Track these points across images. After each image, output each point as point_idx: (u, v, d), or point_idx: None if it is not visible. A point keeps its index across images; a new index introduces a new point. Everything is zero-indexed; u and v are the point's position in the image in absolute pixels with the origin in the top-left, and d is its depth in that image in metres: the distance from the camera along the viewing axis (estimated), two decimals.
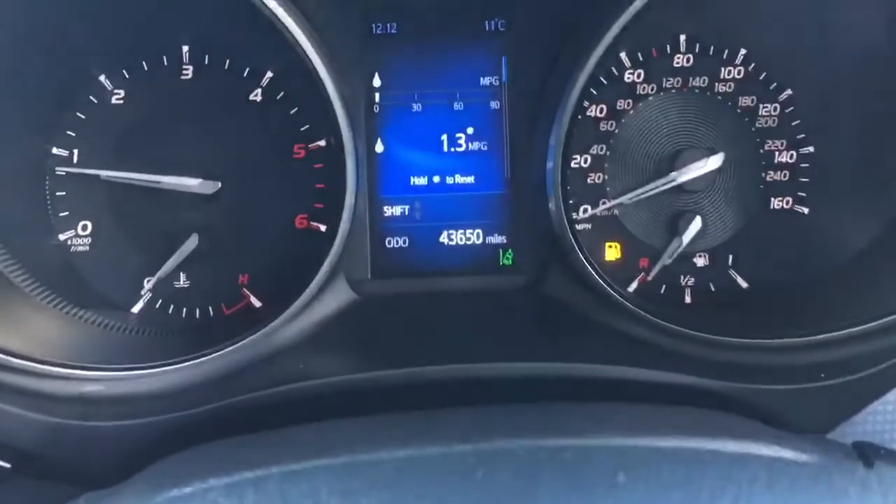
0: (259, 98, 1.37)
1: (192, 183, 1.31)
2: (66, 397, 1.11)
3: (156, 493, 0.89)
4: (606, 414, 0.99)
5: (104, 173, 1.32)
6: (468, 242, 1.43)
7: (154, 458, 1.03)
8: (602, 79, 1.39)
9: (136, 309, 1.36)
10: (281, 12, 1.12)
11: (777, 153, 1.44)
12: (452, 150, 1.42)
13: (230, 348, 1.23)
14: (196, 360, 1.21)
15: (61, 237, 1.36)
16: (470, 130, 1.42)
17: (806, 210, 1.45)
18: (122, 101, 1.36)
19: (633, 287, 1.43)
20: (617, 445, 0.84)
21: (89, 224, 1.36)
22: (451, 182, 1.42)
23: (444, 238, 1.43)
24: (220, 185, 1.33)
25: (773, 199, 1.45)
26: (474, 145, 1.42)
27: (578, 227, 1.41)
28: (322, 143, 1.37)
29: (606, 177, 1.42)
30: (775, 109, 1.43)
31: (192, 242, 1.34)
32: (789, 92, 1.43)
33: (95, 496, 0.92)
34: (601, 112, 1.42)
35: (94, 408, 1.12)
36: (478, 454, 0.83)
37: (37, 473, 1.06)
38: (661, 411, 1.04)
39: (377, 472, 0.84)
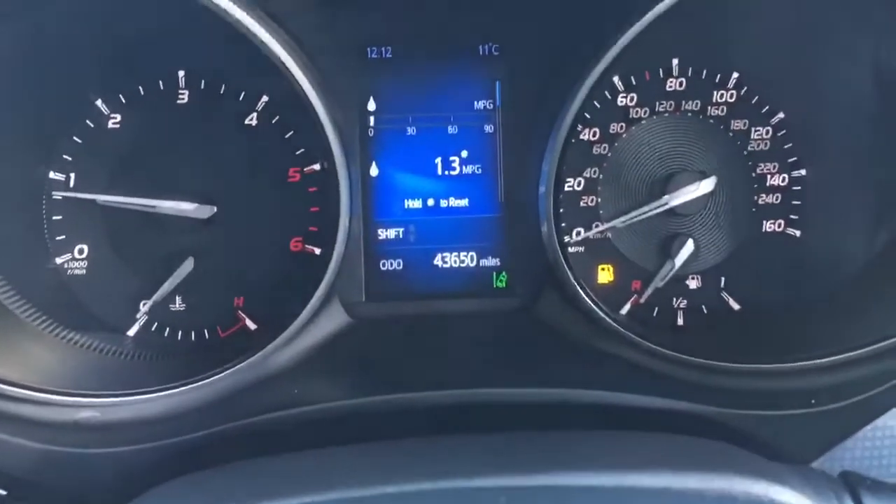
0: (254, 122, 1.38)
1: (187, 207, 1.32)
2: (61, 424, 1.12)
3: None
4: (593, 449, 1.00)
5: (100, 198, 1.33)
6: (462, 265, 1.44)
7: (148, 485, 1.04)
8: (595, 102, 1.40)
9: (132, 332, 1.37)
10: (272, 41, 1.13)
11: (769, 176, 1.45)
12: (447, 173, 1.43)
13: (225, 372, 1.24)
14: (191, 385, 1.22)
15: (58, 260, 1.37)
16: (464, 154, 1.43)
17: (798, 233, 1.46)
18: (118, 126, 1.37)
19: (625, 309, 1.44)
20: (600, 485, 0.85)
21: (86, 248, 1.37)
22: (446, 205, 1.43)
23: (438, 261, 1.44)
24: (215, 209, 1.34)
25: (765, 221, 1.46)
26: (468, 168, 1.43)
27: (571, 249, 1.42)
28: (317, 166, 1.38)
29: (599, 200, 1.43)
30: (767, 133, 1.44)
31: (188, 266, 1.35)
32: (781, 115, 1.44)
33: None
34: (594, 135, 1.43)
35: (89, 434, 1.13)
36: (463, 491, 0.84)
37: (32, 501, 1.07)
38: (648, 442, 1.04)
39: None
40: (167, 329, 1.39)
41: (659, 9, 1.14)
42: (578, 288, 1.31)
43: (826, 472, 1.03)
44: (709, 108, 1.44)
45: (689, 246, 1.41)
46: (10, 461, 1.06)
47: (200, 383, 1.23)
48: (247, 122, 1.38)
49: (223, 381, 1.25)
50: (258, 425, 1.21)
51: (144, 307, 1.37)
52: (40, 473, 1.08)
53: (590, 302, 1.30)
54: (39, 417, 1.10)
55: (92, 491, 1.09)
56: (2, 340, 1.20)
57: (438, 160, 1.43)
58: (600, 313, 1.30)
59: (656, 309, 1.45)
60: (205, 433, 1.19)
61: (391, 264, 1.43)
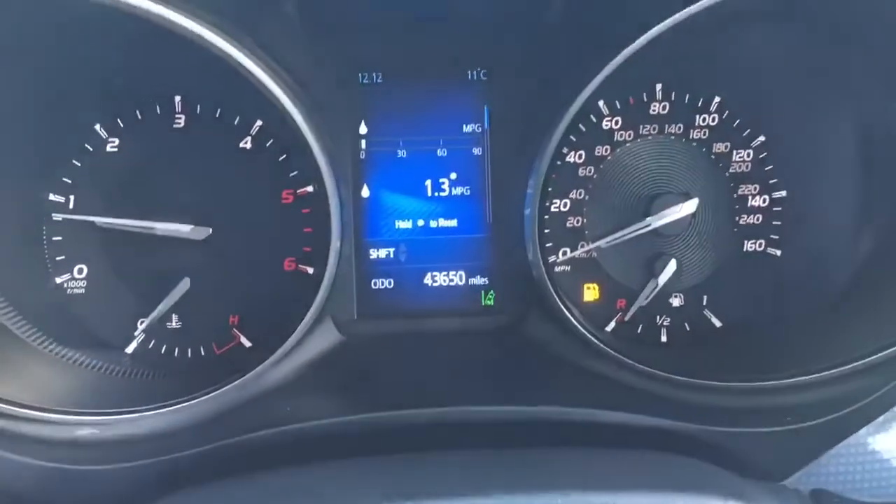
0: (249, 145, 1.42)
1: (184, 229, 1.36)
2: (59, 441, 1.15)
3: None
4: (569, 466, 1.03)
5: (99, 219, 1.37)
6: (451, 284, 1.48)
7: (146, 502, 1.08)
8: (581, 126, 1.44)
9: (129, 349, 1.41)
10: (261, 73, 1.15)
11: (750, 197, 1.49)
12: (436, 194, 1.47)
13: (221, 390, 1.27)
14: (187, 403, 1.26)
15: (58, 280, 1.40)
16: (453, 176, 1.47)
17: (778, 252, 1.50)
18: (116, 150, 1.41)
19: (610, 327, 1.48)
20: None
21: (85, 268, 1.41)
22: (435, 225, 1.47)
23: (428, 280, 1.48)
24: (210, 230, 1.38)
25: (746, 241, 1.50)
26: (457, 190, 1.47)
27: (558, 269, 1.46)
28: (310, 188, 1.42)
29: (585, 220, 1.47)
30: (748, 155, 1.48)
31: (185, 285, 1.39)
32: (762, 138, 1.48)
33: None
34: (580, 158, 1.47)
35: (88, 451, 1.16)
36: None
37: None
38: (622, 459, 1.08)
39: None
40: (164, 346, 1.42)
41: (643, 38, 1.17)
42: (563, 307, 1.34)
43: (798, 489, 1.07)
44: (691, 131, 1.48)
45: (672, 265, 1.45)
46: (12, 478, 1.09)
47: (196, 401, 1.26)
48: (241, 145, 1.42)
49: (218, 399, 1.28)
50: (252, 442, 1.24)
51: (142, 325, 1.40)
52: (41, 490, 1.11)
53: (574, 320, 1.34)
54: (39, 435, 1.14)
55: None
56: (2, 360, 1.24)
57: (428, 182, 1.47)
58: (585, 332, 1.34)
59: (641, 326, 1.49)
60: (199, 450, 1.22)
61: (382, 283, 1.47)
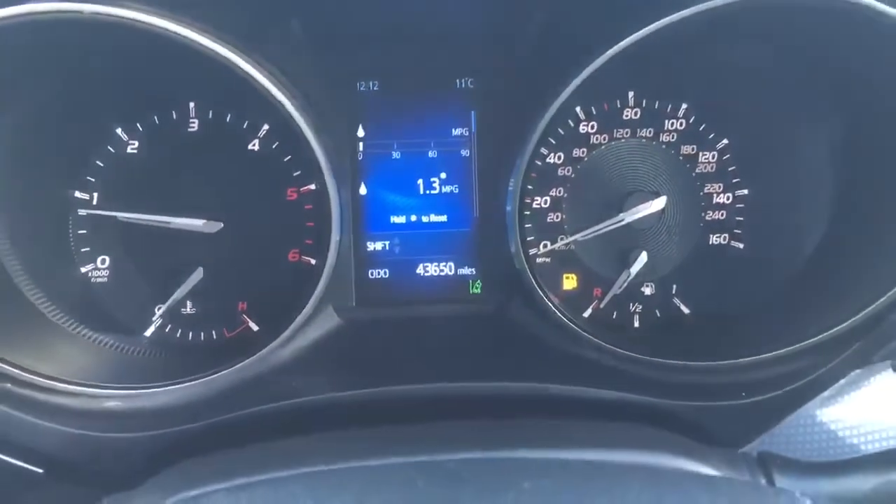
0: (256, 147, 1.55)
1: (197, 223, 1.49)
2: (88, 412, 1.28)
3: (167, 496, 1.06)
4: (540, 432, 1.17)
5: (120, 215, 1.50)
6: (441, 274, 1.61)
7: (164, 465, 1.21)
8: (560, 130, 1.58)
9: (148, 333, 1.54)
10: (267, 83, 1.27)
11: (715, 195, 1.63)
12: (427, 192, 1.61)
13: (231, 369, 1.40)
14: (201, 379, 1.39)
15: (83, 270, 1.53)
16: (443, 175, 1.60)
17: (741, 245, 1.63)
18: (136, 151, 1.54)
19: (587, 313, 1.61)
20: (543, 458, 1.02)
21: (107, 258, 1.54)
22: (427, 220, 1.61)
23: (420, 270, 1.61)
24: (222, 225, 1.51)
25: (711, 235, 1.64)
26: (447, 188, 1.61)
27: (539, 260, 1.59)
28: (312, 186, 1.55)
29: (564, 216, 1.61)
30: (713, 157, 1.62)
31: (198, 275, 1.52)
32: (726, 141, 1.62)
33: (116, 499, 1.09)
34: (559, 159, 1.60)
35: (113, 421, 1.29)
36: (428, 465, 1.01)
37: (65, 478, 1.23)
38: (594, 426, 1.22)
39: (345, 479, 1.02)
40: (179, 330, 1.55)
41: (615, 48, 1.29)
42: (543, 295, 1.48)
43: (747, 452, 1.20)
44: (661, 134, 1.62)
45: (643, 257, 1.59)
46: (47, 443, 1.22)
47: (209, 378, 1.39)
48: (249, 147, 1.55)
49: (229, 376, 1.41)
50: (258, 414, 1.36)
51: (159, 311, 1.53)
52: (72, 454, 1.24)
53: (553, 307, 1.47)
54: (70, 406, 1.27)
55: (116, 470, 1.25)
56: (37, 339, 1.37)
57: (420, 181, 1.60)
58: (563, 317, 1.47)
59: (615, 313, 1.63)
60: (212, 421, 1.35)
61: (378, 273, 1.61)
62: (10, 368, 1.24)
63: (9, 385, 1.23)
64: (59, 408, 1.26)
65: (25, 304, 1.42)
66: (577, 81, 1.35)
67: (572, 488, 0.92)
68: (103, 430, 1.27)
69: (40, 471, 1.22)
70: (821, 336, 1.39)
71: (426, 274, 1.61)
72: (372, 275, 1.60)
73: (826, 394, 1.36)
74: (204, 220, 1.50)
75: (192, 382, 1.38)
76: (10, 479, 1.20)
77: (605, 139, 1.60)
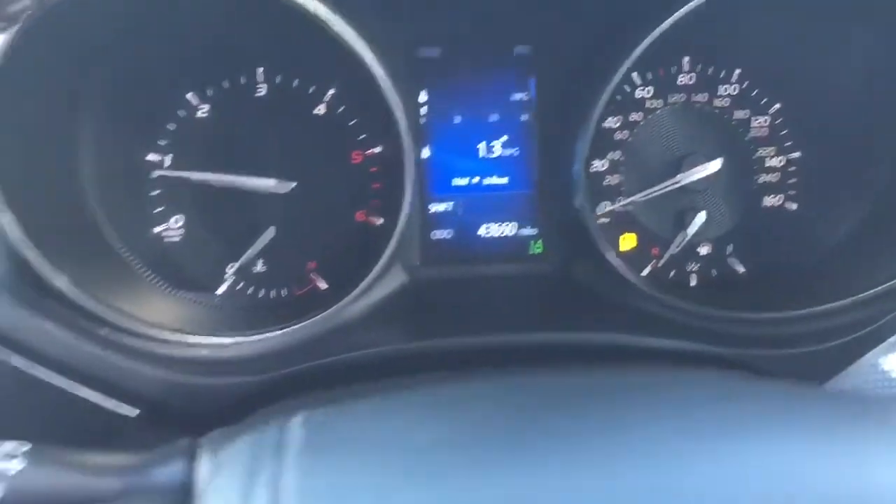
0: (323, 111, 1.59)
1: (269, 183, 1.53)
2: (177, 359, 1.32)
3: (266, 429, 1.10)
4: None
5: (193, 175, 1.54)
6: (503, 234, 1.66)
7: (247, 411, 1.25)
8: (618, 95, 1.62)
9: (220, 291, 1.58)
10: (348, 32, 1.31)
11: (768, 158, 1.67)
12: (489, 155, 1.65)
13: (301, 324, 1.45)
14: (272, 333, 1.43)
15: (156, 230, 1.57)
16: (504, 139, 1.64)
17: (794, 206, 1.68)
18: (206, 115, 1.58)
19: (646, 272, 1.65)
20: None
21: (181, 219, 1.58)
22: (488, 183, 1.65)
23: (482, 231, 1.65)
24: (294, 184, 1.55)
25: (765, 197, 1.68)
26: (507, 151, 1.65)
27: (598, 221, 1.64)
28: (377, 149, 1.59)
29: (622, 178, 1.65)
30: (766, 121, 1.66)
31: (270, 233, 1.56)
32: (778, 105, 1.66)
33: (215, 435, 1.13)
34: (617, 123, 1.64)
35: (200, 368, 1.33)
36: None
37: (158, 419, 1.28)
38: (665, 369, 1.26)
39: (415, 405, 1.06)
40: (251, 288, 1.60)
41: (675, 16, 1.35)
42: (606, 254, 1.52)
43: None
44: (715, 99, 1.66)
45: (700, 218, 1.63)
46: (142, 387, 1.26)
47: (280, 332, 1.43)
48: (315, 111, 1.60)
49: (300, 331, 1.45)
50: (331, 364, 1.40)
51: (231, 269, 1.57)
52: (164, 398, 1.28)
53: (616, 266, 1.51)
54: (164, 353, 1.31)
55: (204, 413, 1.28)
56: (130, 290, 1.41)
57: (482, 145, 1.65)
58: (624, 275, 1.51)
59: (673, 272, 1.67)
60: (289, 371, 1.39)
61: (442, 233, 1.65)
62: (110, 314, 1.28)
63: (107, 330, 1.27)
64: (153, 354, 1.30)
65: (117, 259, 1.48)
66: (641, 47, 1.39)
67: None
68: (192, 375, 1.31)
69: (135, 411, 1.26)
70: (875, 289, 1.42)
71: (488, 234, 1.66)
72: (436, 235, 1.65)
73: (885, 343, 1.40)
74: (275, 181, 1.53)
75: (265, 336, 1.41)
76: (107, 419, 1.24)
77: (660, 104, 1.65)
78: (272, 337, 1.41)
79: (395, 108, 1.38)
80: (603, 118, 1.60)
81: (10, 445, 0.94)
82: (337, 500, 0.76)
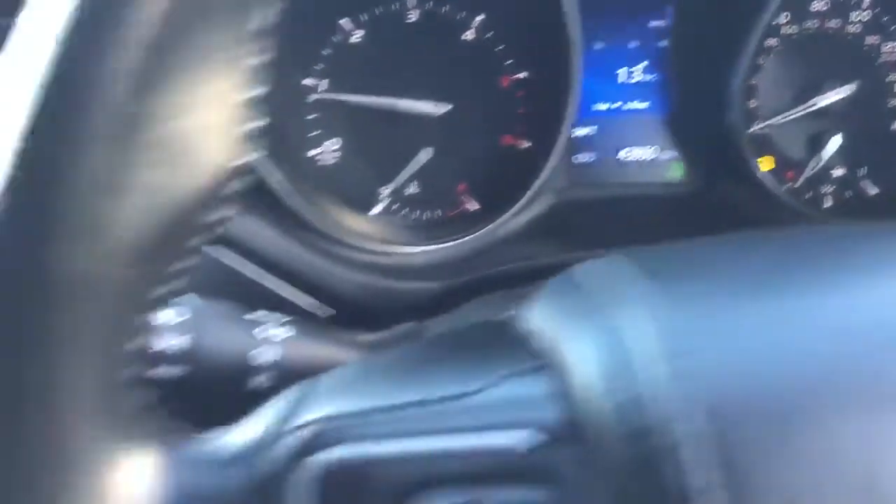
0: (471, 37, 1.64)
1: (426, 105, 1.58)
2: (374, 265, 1.39)
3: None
4: None
5: (352, 98, 1.59)
6: (644, 158, 1.70)
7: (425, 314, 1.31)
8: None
9: (373, 212, 1.63)
10: None
11: None
12: (629, 81, 1.69)
13: (453, 242, 1.50)
14: (429, 247, 1.49)
15: (311, 153, 1.62)
16: (644, 64, 1.69)
17: None
18: (360, 40, 1.62)
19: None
20: None
21: (335, 142, 1.63)
22: (629, 108, 1.70)
23: (623, 154, 1.70)
24: (450, 106, 1.59)
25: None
26: (647, 77, 1.69)
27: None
28: (521, 75, 1.64)
29: (759, 102, 1.70)
30: None
31: (424, 155, 1.61)
32: None
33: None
34: (753, 48, 1.69)
35: (381, 272, 1.40)
36: None
37: (348, 318, 1.33)
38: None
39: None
40: (406, 209, 1.65)
41: None
42: (751, 171, 1.57)
43: None
44: (847, 26, 1.70)
45: (836, 141, 1.67)
46: (339, 287, 1.33)
47: (436, 247, 1.49)
48: (463, 37, 1.64)
49: (453, 248, 1.51)
50: (489, 275, 1.46)
51: (386, 191, 1.62)
52: (355, 296, 1.34)
53: (764, 181, 1.56)
54: (353, 258, 1.38)
55: (390, 312, 1.34)
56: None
57: (622, 70, 1.69)
58: (773, 190, 1.56)
59: (808, 193, 1.72)
60: (448, 282, 1.45)
61: (585, 157, 1.70)
62: (318, 219, 1.37)
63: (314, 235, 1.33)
64: (346, 259, 1.36)
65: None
66: None
67: None
68: (375, 277, 1.37)
69: (332, 311, 1.32)
70: None
71: (629, 158, 1.70)
72: (578, 159, 1.69)
73: None
74: (431, 102, 1.58)
75: (423, 248, 1.48)
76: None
77: (795, 30, 1.69)
78: (428, 252, 1.47)
79: (572, 30, 1.43)
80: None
81: (275, 315, 0.99)
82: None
